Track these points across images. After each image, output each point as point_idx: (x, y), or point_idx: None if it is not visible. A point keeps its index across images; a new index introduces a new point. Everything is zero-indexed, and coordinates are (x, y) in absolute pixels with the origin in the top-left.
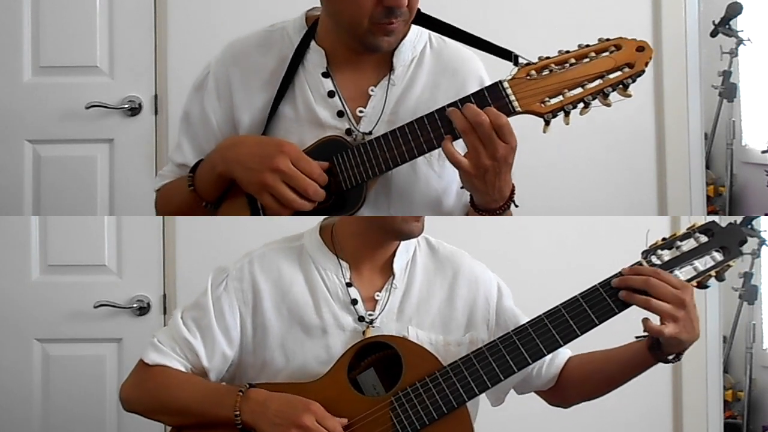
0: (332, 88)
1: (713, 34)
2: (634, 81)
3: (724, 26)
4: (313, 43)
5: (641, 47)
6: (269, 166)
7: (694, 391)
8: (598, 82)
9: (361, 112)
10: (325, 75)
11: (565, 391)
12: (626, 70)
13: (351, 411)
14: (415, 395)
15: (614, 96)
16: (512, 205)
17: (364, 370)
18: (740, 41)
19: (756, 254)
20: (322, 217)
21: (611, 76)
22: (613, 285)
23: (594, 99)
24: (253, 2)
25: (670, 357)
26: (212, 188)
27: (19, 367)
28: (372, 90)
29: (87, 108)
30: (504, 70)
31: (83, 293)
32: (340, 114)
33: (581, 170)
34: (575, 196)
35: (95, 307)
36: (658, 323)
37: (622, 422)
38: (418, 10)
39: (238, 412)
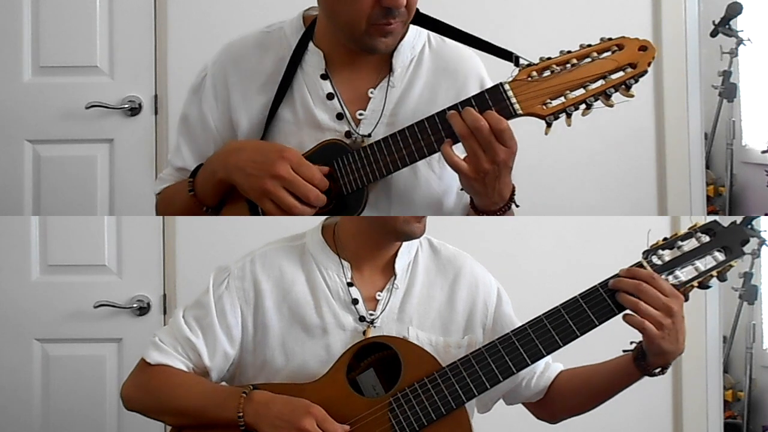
0: (331, 90)
1: (713, 34)
2: (636, 81)
3: (724, 26)
4: (311, 44)
5: (644, 47)
6: (270, 172)
7: (694, 391)
8: (600, 83)
9: (360, 114)
10: (324, 77)
11: (552, 405)
12: (629, 70)
13: (350, 412)
14: (413, 396)
15: (617, 96)
16: (513, 205)
17: (363, 371)
18: (740, 41)
19: (756, 254)
20: (323, 217)
21: (614, 76)
22: (610, 286)
23: (596, 100)
24: (253, 2)
25: (656, 370)
26: (213, 193)
27: (19, 367)
28: (371, 92)
29: (87, 108)
30: (505, 70)
31: (83, 293)
32: (340, 116)
33: (581, 170)
34: (575, 196)
35: (95, 307)
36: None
37: (622, 422)
38: (417, 10)
39: (241, 414)
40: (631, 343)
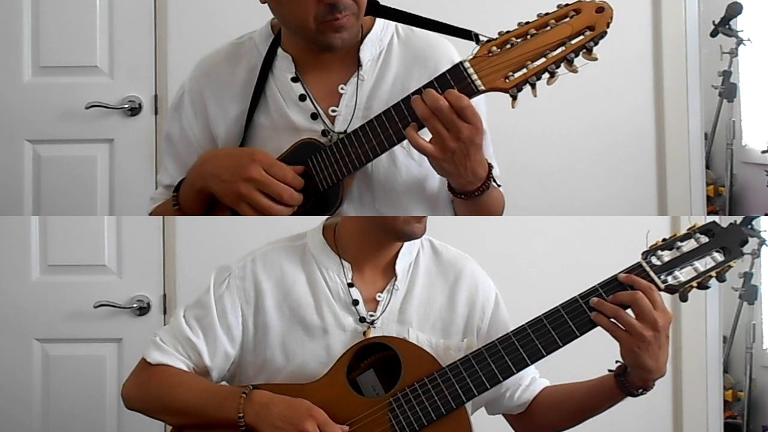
0: (303, 92)
1: (713, 34)
2: (596, 44)
3: (724, 26)
4: (279, 49)
5: (601, 8)
6: (242, 175)
7: (694, 391)
8: (560, 49)
9: (333, 111)
10: (295, 80)
11: (532, 420)
12: (588, 33)
13: (350, 412)
14: (413, 396)
15: (579, 60)
16: (494, 184)
17: (363, 371)
18: (740, 41)
19: (756, 254)
20: (324, 217)
21: (573, 41)
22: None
23: (558, 67)
24: (253, 2)
25: (638, 390)
26: (194, 205)
27: (19, 367)
28: (342, 88)
29: (87, 108)
30: None
31: (83, 293)
32: (314, 116)
33: (581, 170)
34: (575, 196)
35: (95, 307)
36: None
37: (622, 422)
38: (374, 1)
39: (241, 414)
40: (617, 362)
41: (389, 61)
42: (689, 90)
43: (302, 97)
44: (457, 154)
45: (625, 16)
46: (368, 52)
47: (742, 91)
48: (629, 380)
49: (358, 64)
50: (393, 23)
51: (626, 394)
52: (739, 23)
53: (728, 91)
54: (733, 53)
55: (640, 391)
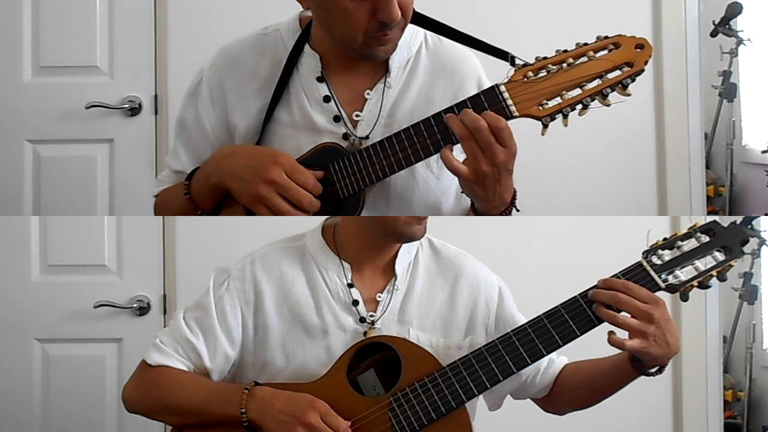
0: (327, 93)
1: (713, 34)
2: (633, 80)
3: (724, 26)
4: (307, 47)
5: (640, 45)
6: (263, 177)
7: (694, 391)
8: (596, 82)
9: (357, 116)
10: (320, 80)
11: (557, 399)
12: (625, 69)
13: (350, 411)
14: (414, 395)
15: (614, 96)
16: (514, 210)
17: (364, 371)
18: (740, 41)
19: (756, 254)
20: (324, 218)
21: (610, 75)
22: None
23: (593, 100)
24: (253, 2)
25: (652, 370)
26: (207, 197)
27: (19, 367)
28: (368, 93)
29: (87, 108)
30: (502, 69)
31: (83, 293)
32: (337, 119)
33: (581, 170)
34: (575, 196)
35: (95, 307)
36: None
37: (622, 422)
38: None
39: (244, 410)
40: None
41: (416, 70)
42: (689, 90)
43: (326, 99)
44: (488, 178)
45: (625, 16)
46: (397, 59)
47: (742, 91)
48: (644, 364)
49: (386, 70)
50: (422, 30)
51: (642, 375)
52: (739, 23)
53: (728, 91)
54: (733, 53)
55: (657, 369)
